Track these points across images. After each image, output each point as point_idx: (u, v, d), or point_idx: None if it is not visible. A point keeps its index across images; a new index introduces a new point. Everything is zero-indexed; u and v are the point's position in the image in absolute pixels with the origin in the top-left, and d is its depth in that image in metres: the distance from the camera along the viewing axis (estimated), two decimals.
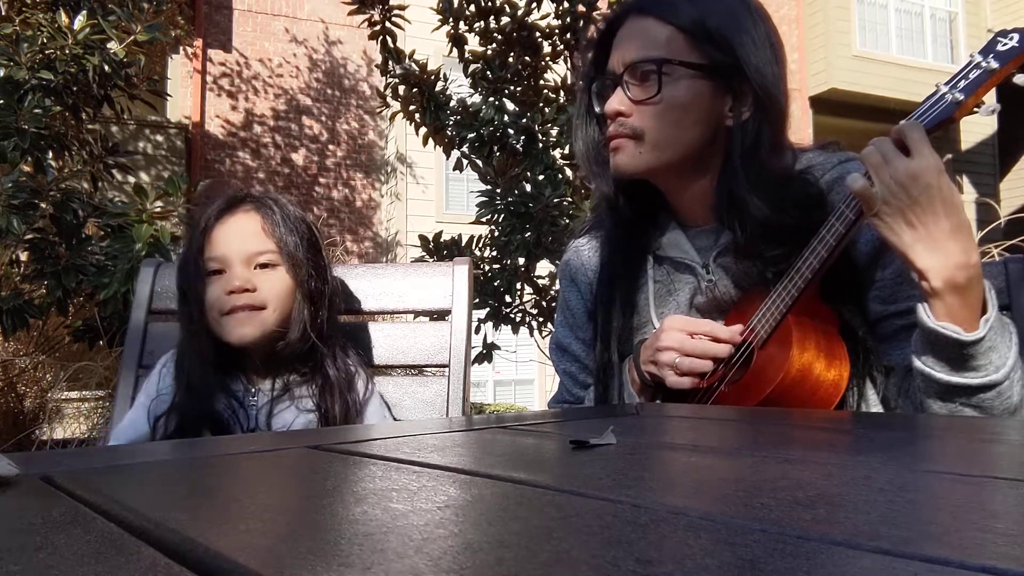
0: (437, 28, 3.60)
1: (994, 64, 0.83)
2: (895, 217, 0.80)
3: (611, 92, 0.99)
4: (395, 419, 1.16)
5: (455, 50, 3.61)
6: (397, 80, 3.51)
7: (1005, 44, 0.84)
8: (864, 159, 0.82)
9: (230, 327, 1.03)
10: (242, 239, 1.06)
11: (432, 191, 8.20)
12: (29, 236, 2.70)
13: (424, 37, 4.12)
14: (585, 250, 1.16)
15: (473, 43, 3.62)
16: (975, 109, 0.85)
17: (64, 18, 2.97)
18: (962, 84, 0.84)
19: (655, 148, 0.97)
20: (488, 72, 3.56)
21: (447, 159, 3.73)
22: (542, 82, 3.70)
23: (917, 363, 0.84)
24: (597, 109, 1.03)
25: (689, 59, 0.95)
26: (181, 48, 7.85)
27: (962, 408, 0.83)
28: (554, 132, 3.42)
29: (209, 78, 8.08)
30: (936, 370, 0.82)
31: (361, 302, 1.26)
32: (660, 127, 0.96)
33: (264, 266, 1.06)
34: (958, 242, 0.79)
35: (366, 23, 3.51)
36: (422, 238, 3.38)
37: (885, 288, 0.93)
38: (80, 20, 2.97)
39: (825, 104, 9.89)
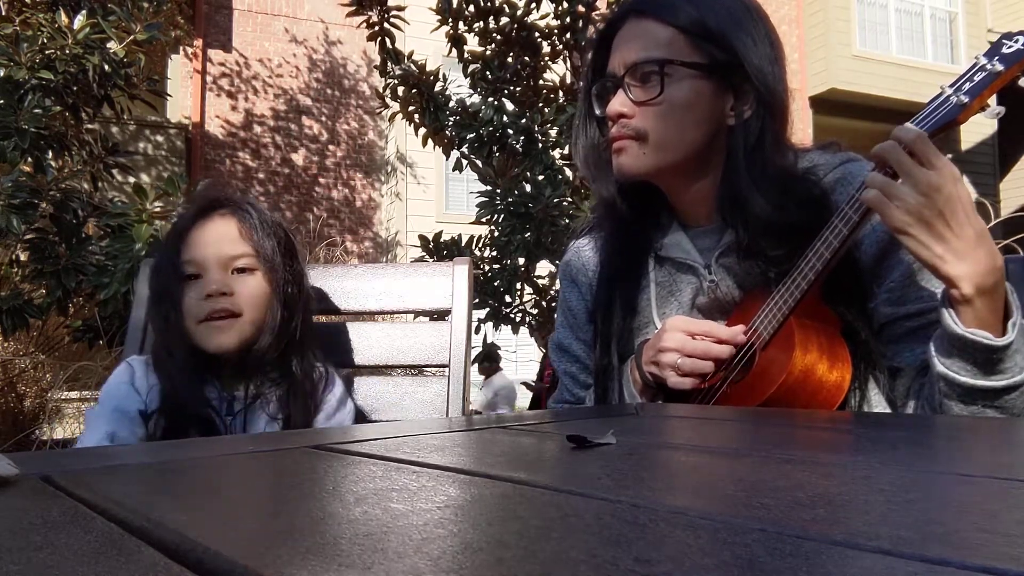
0: (436, 28, 3.60)
1: (999, 67, 0.83)
2: (921, 231, 0.79)
3: (612, 94, 0.99)
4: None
5: (454, 50, 3.61)
6: (396, 81, 3.51)
7: (1010, 47, 0.83)
8: (873, 180, 0.81)
9: (208, 335, 1.02)
10: (219, 243, 1.04)
11: (432, 191, 8.20)
12: (29, 236, 2.71)
13: (423, 37, 4.12)
14: (586, 250, 1.16)
15: (472, 43, 3.63)
16: (980, 111, 0.85)
17: (64, 18, 2.97)
18: (966, 86, 0.83)
19: (658, 149, 0.97)
20: (487, 72, 3.56)
21: (447, 159, 3.73)
22: (541, 82, 3.70)
23: (940, 368, 0.83)
24: (598, 111, 1.03)
25: (690, 59, 0.94)
26: (181, 48, 7.85)
27: (984, 410, 0.82)
28: (554, 132, 3.42)
29: (209, 78, 8.09)
30: (962, 375, 0.81)
31: (361, 302, 1.26)
32: (663, 128, 0.96)
33: (241, 271, 1.05)
34: (984, 246, 0.78)
35: (364, 24, 3.52)
36: (422, 238, 3.38)
37: (895, 290, 0.93)
38: (80, 20, 2.97)
39: (825, 104, 9.89)
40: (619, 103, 0.98)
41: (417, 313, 1.39)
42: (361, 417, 1.17)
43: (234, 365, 1.06)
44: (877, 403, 0.94)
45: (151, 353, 1.09)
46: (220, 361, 1.06)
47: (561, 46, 3.65)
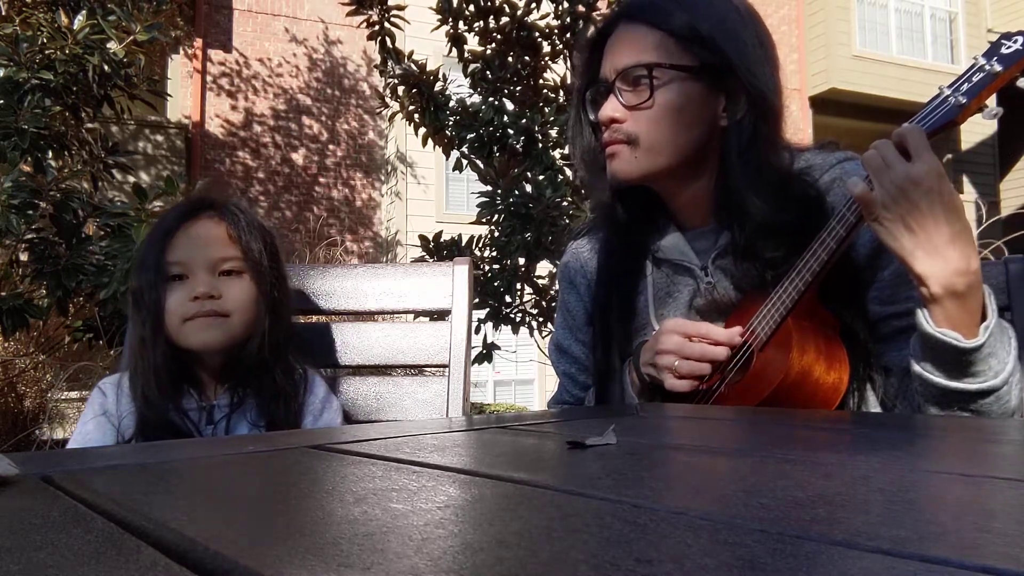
0: (436, 28, 3.60)
1: (997, 67, 0.83)
2: (895, 222, 0.79)
3: (605, 99, 1.00)
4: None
5: (454, 50, 3.61)
6: (396, 80, 3.50)
7: (1009, 47, 0.83)
8: (865, 163, 0.82)
9: (192, 332, 1.00)
10: (207, 245, 1.03)
11: (432, 191, 8.20)
12: (29, 236, 2.70)
13: (424, 37, 4.12)
14: (584, 252, 1.17)
15: (473, 43, 3.62)
16: (978, 112, 0.85)
17: (64, 18, 2.97)
18: (965, 87, 0.83)
19: (650, 152, 0.98)
20: (488, 72, 3.56)
21: (447, 159, 3.72)
22: (542, 82, 3.70)
23: (916, 368, 0.83)
24: (592, 117, 1.03)
25: (680, 62, 0.95)
26: (181, 48, 7.85)
27: (960, 412, 0.82)
28: (554, 132, 3.42)
29: (209, 78, 8.08)
30: (935, 375, 0.82)
31: (361, 302, 1.26)
32: (654, 131, 0.97)
33: (228, 273, 1.03)
34: (958, 248, 0.78)
35: (364, 23, 3.51)
36: (422, 238, 3.38)
37: (884, 289, 0.93)
38: (80, 20, 2.97)
39: (825, 104, 9.89)
40: (610, 108, 0.98)
41: (417, 313, 1.39)
42: (346, 415, 1.17)
43: (215, 370, 1.05)
44: (875, 405, 0.94)
45: (127, 363, 1.06)
46: (200, 366, 1.04)
47: (561, 46, 3.65)
